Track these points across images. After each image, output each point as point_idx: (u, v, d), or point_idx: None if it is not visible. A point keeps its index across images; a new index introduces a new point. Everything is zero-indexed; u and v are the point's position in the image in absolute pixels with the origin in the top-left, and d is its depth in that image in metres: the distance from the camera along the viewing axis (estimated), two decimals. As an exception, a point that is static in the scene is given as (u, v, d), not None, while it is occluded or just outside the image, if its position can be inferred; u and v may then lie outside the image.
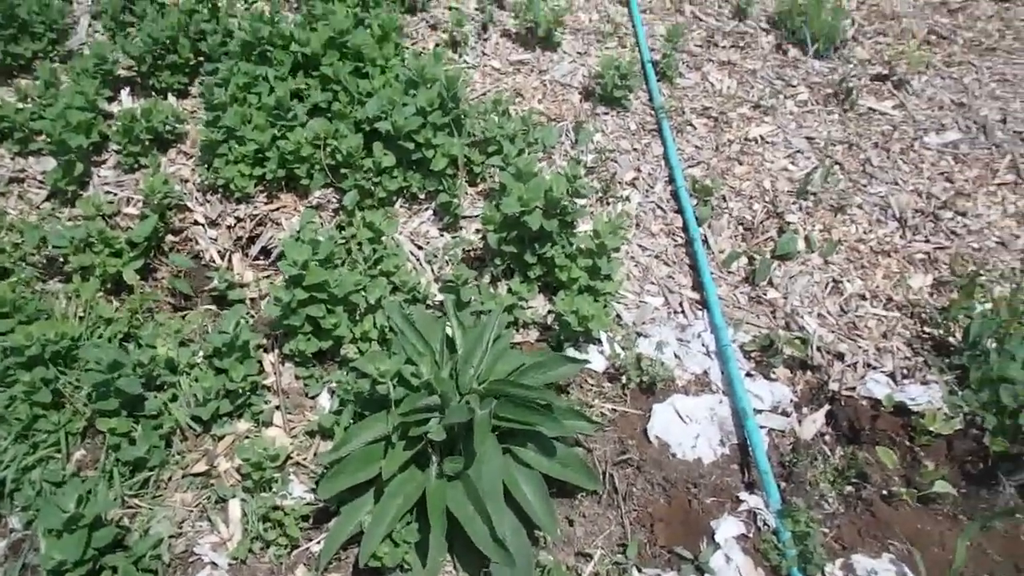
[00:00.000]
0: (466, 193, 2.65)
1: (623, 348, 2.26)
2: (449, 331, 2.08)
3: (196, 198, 2.71)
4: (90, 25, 3.35)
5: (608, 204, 2.65)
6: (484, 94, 3.04)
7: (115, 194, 2.73)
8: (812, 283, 2.44)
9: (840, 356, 2.26)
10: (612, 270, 2.30)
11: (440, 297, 2.37)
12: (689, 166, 2.79)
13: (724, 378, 2.22)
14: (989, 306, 2.27)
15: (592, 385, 2.21)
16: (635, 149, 2.85)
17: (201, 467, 2.08)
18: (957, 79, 3.18)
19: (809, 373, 2.25)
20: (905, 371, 2.23)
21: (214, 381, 2.12)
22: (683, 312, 2.39)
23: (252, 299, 2.49)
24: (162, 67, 3.00)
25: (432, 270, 2.49)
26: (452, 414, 1.78)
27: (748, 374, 2.24)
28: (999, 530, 1.89)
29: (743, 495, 1.98)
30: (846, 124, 2.97)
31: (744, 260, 2.52)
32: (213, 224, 2.66)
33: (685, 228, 2.59)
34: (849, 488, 2.01)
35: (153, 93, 3.05)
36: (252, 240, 2.64)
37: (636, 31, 3.32)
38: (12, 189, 2.77)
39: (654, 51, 3.23)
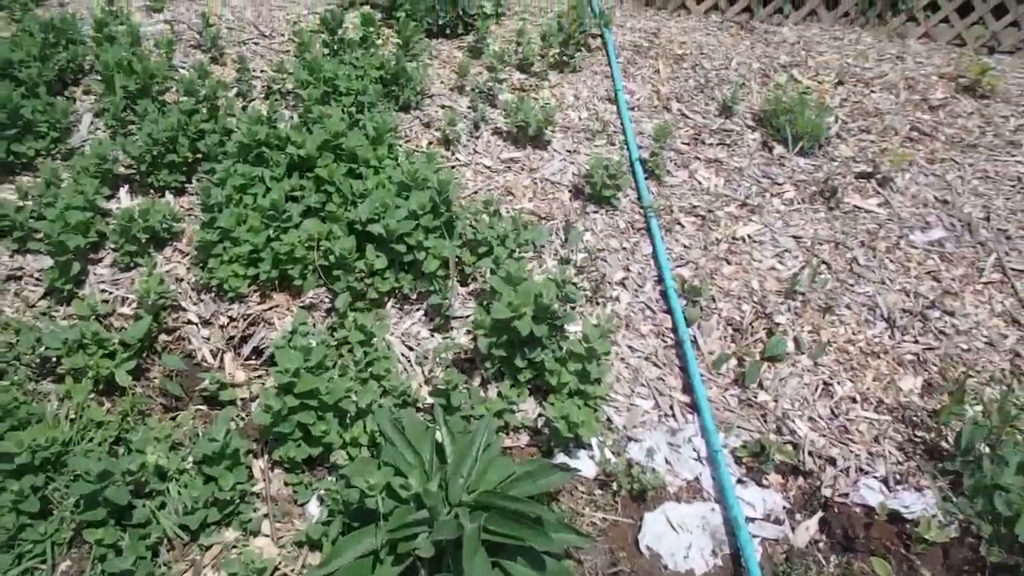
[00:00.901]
0: (457, 293, 2.76)
1: (614, 454, 2.33)
2: (439, 437, 2.15)
3: (190, 297, 2.81)
4: (92, 123, 3.53)
5: (598, 304, 2.76)
6: (475, 192, 3.20)
7: (110, 293, 2.84)
8: (802, 385, 2.53)
9: (832, 461, 2.32)
10: (602, 373, 2.39)
11: (430, 400, 2.44)
12: (678, 265, 2.92)
13: (715, 485, 2.28)
14: (980, 409, 2.35)
15: (583, 492, 2.26)
16: (624, 248, 2.98)
17: (187, 580, 2.11)
18: (940, 176, 3.35)
19: (801, 479, 2.30)
20: (898, 476, 2.29)
21: (203, 490, 2.17)
22: (673, 415, 2.47)
23: (243, 399, 2.57)
24: (161, 166, 3.16)
25: (422, 372, 2.58)
26: (441, 529, 1.83)
27: (740, 480, 2.29)
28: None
29: (736, 610, 2.01)
30: (832, 222, 3.12)
31: (734, 362, 2.61)
32: (206, 323, 2.76)
33: (674, 329, 2.69)
34: (844, 602, 2.04)
35: (151, 191, 3.20)
36: (244, 340, 2.72)
37: (624, 129, 3.52)
38: (9, 287, 2.88)
39: (642, 149, 3.41)
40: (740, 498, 2.22)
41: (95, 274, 2.90)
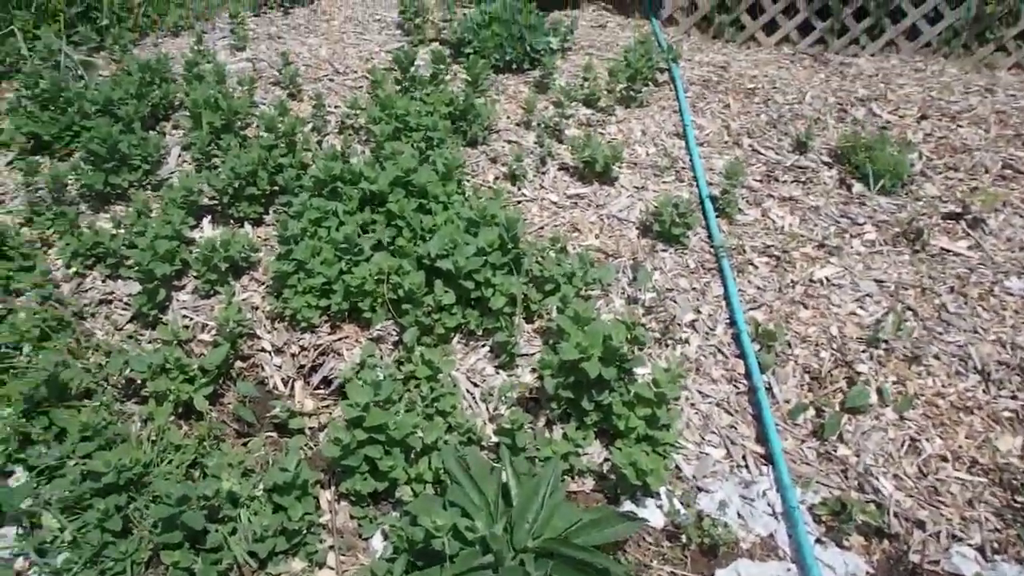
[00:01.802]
0: (523, 331, 2.70)
1: (683, 504, 2.21)
2: (504, 478, 2.09)
3: (264, 325, 2.85)
4: (179, 156, 3.67)
5: (667, 346, 2.66)
6: (542, 228, 3.16)
7: (191, 319, 2.90)
8: (887, 440, 2.36)
9: (921, 524, 2.15)
10: (671, 419, 2.29)
11: (495, 439, 2.39)
12: (751, 308, 2.79)
13: (792, 543, 2.13)
14: (1086, 473, 2.14)
15: (650, 544, 2.16)
16: (694, 289, 2.87)
17: (255, 608, 2.10)
18: (1037, 217, 3.13)
19: (886, 542, 2.13)
20: (996, 545, 2.09)
21: (272, 518, 2.18)
22: (747, 467, 2.33)
23: (312, 428, 2.57)
24: (241, 197, 3.24)
25: (487, 409, 2.53)
26: (505, 578, 1.76)
27: (818, 540, 2.14)
28: None
29: None
30: (918, 266, 2.93)
31: (811, 412, 2.46)
32: (279, 352, 2.79)
33: (748, 375, 2.56)
34: None
35: (231, 221, 3.29)
36: (314, 369, 2.74)
37: (693, 165, 3.42)
38: (100, 310, 2.99)
39: (712, 186, 3.31)
40: (819, 559, 2.07)
41: (178, 300, 2.98)
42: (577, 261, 2.74)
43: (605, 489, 2.30)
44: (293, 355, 2.78)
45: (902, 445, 2.35)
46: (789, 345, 2.66)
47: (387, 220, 2.92)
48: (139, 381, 2.65)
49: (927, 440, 2.35)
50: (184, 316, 2.93)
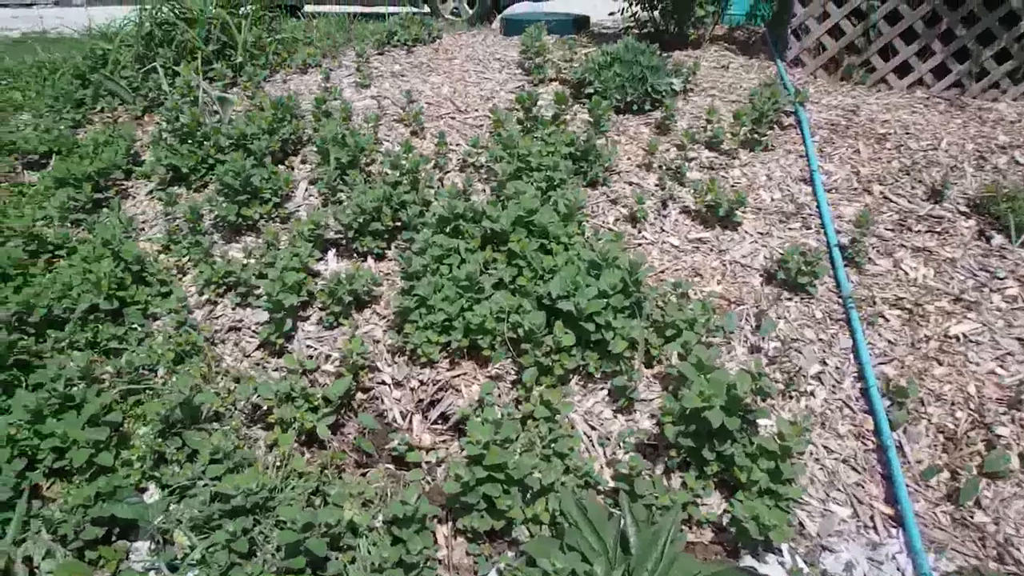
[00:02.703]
0: (642, 376, 2.84)
1: (807, 563, 2.28)
2: (623, 525, 2.22)
3: (385, 359, 3.11)
4: (306, 190, 4.04)
5: (790, 398, 2.74)
6: (662, 272, 3.30)
7: (315, 349, 3.20)
8: (1030, 511, 2.35)
9: (1068, 603, 2.13)
10: (795, 473, 2.37)
11: (612, 483, 2.53)
12: (881, 362, 2.83)
13: (925, 613, 2.16)
14: None
15: (772, 602, 2.23)
16: (820, 340, 2.94)
17: (374, 639, 2.30)
18: None
19: (1030, 620, 2.13)
20: None
21: (391, 551, 2.37)
22: (875, 528, 2.37)
23: (428, 463, 2.78)
24: (366, 232, 3.55)
25: (604, 453, 2.67)
26: (628, 623, 1.89)
27: (954, 612, 2.16)
28: None
29: None
30: (1067, 326, 2.90)
31: (946, 475, 2.47)
32: (398, 385, 3.03)
33: (877, 432, 2.60)
34: None
35: (355, 255, 3.60)
36: (433, 404, 2.96)
37: (821, 212, 3.49)
38: (230, 337, 3.33)
39: (841, 234, 3.36)
40: (956, 633, 2.09)
41: (303, 330, 3.28)
42: (699, 307, 2.87)
43: (724, 542, 2.38)
44: (412, 389, 3.01)
45: (1050, 518, 2.33)
46: (922, 403, 2.68)
47: (508, 259, 3.14)
48: (265, 407, 2.95)
49: (1078, 515, 2.33)
50: (308, 346, 3.23)
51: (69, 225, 3.96)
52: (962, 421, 2.61)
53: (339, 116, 4.25)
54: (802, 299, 3.11)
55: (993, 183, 3.44)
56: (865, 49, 4.83)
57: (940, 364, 2.81)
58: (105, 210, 4.09)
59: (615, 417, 2.77)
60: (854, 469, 2.54)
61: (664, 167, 3.78)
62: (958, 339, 2.89)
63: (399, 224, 3.61)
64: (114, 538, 2.61)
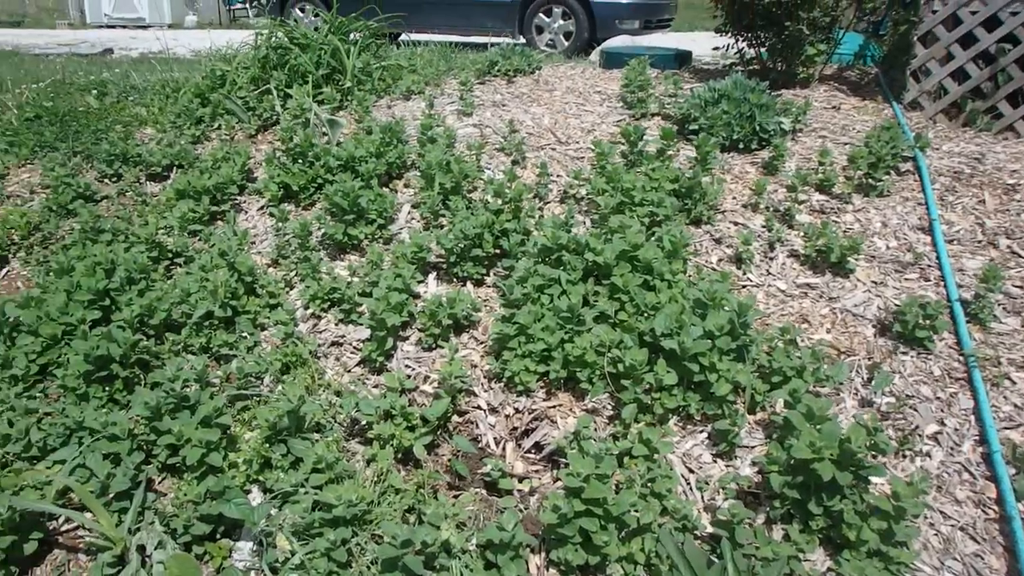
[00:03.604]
0: (745, 421, 2.83)
1: (919, 633, 2.21)
2: (723, 572, 2.22)
3: (482, 384, 3.20)
4: (409, 213, 4.22)
5: (904, 457, 2.67)
6: (767, 316, 3.29)
7: (413, 370, 3.32)
8: None
9: None
10: (909, 536, 2.31)
11: (710, 529, 2.52)
12: (1006, 427, 2.73)
13: None
14: None
15: (880, 669, 2.17)
16: (938, 398, 2.86)
17: (465, 661, 2.36)
18: None
19: None
20: None
21: (484, 575, 2.45)
22: (996, 603, 2.29)
23: (520, 491, 2.84)
24: (467, 258, 3.68)
25: (702, 497, 2.67)
26: (729, 673, 1.89)
27: None
28: None
29: None
30: None
31: (1078, 554, 2.36)
32: (493, 411, 3.11)
33: (999, 501, 2.51)
34: None
35: (455, 280, 3.73)
36: (527, 433, 3.03)
37: (941, 264, 3.41)
38: (332, 351, 3.50)
39: (962, 288, 3.28)
40: None
41: (402, 350, 3.42)
42: (808, 355, 2.85)
43: (829, 601, 2.35)
44: (507, 416, 3.09)
45: None
46: (1052, 475, 2.57)
47: (610, 293, 3.20)
48: (364, 422, 3.08)
49: None
50: (407, 366, 3.36)
51: (187, 235, 4.25)
52: (1096, 497, 2.49)
53: (443, 143, 4.44)
54: (919, 354, 3.04)
55: None
56: (992, 94, 4.70)
57: (1072, 434, 2.70)
58: (220, 223, 4.38)
59: (715, 461, 2.76)
60: (972, 538, 2.46)
61: (772, 208, 3.77)
62: (1093, 408, 2.77)
63: (499, 251, 3.72)
64: (218, 536, 2.77)
